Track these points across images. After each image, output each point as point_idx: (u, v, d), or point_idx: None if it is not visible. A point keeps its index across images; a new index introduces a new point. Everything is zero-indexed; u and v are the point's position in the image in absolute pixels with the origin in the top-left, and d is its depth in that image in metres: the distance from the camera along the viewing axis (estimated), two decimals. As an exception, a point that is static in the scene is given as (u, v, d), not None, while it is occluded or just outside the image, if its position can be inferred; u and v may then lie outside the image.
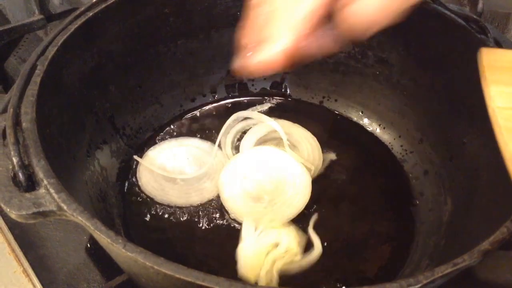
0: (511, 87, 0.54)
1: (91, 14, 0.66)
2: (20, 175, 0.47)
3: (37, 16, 0.96)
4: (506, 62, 0.57)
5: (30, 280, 0.63)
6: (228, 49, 0.84)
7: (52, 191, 0.46)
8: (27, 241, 0.67)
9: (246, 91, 0.89)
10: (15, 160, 0.48)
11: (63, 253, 0.67)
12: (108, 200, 0.70)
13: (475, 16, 0.71)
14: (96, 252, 0.67)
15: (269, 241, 0.64)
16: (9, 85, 0.95)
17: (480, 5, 0.99)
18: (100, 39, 0.69)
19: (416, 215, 0.72)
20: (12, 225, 0.67)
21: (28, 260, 0.64)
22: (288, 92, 0.89)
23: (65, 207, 0.45)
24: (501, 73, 0.55)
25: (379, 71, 0.81)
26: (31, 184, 0.48)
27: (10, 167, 0.48)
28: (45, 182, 0.46)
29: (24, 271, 0.64)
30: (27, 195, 0.46)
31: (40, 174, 0.47)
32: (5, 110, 0.75)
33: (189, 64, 0.82)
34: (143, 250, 0.42)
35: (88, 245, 0.68)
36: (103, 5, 0.68)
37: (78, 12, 0.65)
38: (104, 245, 0.50)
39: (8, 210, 0.45)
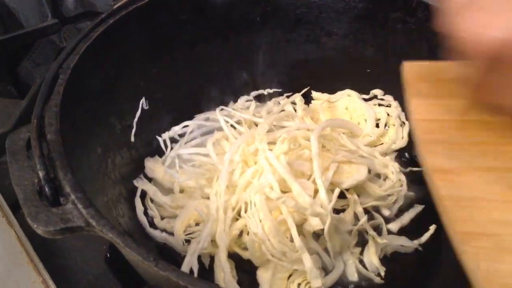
0: (429, 99, 0.54)
1: (111, 21, 0.65)
2: (47, 189, 0.46)
3: (51, 20, 0.96)
4: (427, 74, 0.56)
5: (50, 291, 0.62)
6: (246, 54, 0.83)
7: (80, 206, 0.45)
8: (46, 251, 0.66)
9: (265, 98, 0.87)
10: (41, 173, 0.47)
11: (82, 263, 0.66)
12: (128, 209, 0.69)
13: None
14: (115, 262, 0.66)
15: (288, 265, 0.63)
16: (23, 89, 0.95)
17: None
18: (120, 47, 0.68)
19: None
20: (31, 235, 0.66)
21: (47, 271, 0.63)
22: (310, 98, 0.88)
23: (94, 223, 0.44)
24: (421, 86, 0.55)
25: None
26: (56, 198, 0.47)
27: (36, 180, 0.47)
28: (73, 196, 0.45)
29: (44, 281, 0.62)
30: (54, 210, 0.45)
31: (67, 188, 0.46)
32: (22, 117, 0.76)
33: (207, 69, 0.81)
34: (176, 268, 0.41)
35: (108, 255, 0.67)
36: (123, 12, 0.67)
37: (98, 19, 0.64)
38: (133, 262, 0.49)
39: (35, 226, 0.44)
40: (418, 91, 0.55)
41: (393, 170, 0.74)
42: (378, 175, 0.75)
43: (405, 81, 0.56)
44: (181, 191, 0.72)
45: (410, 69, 0.58)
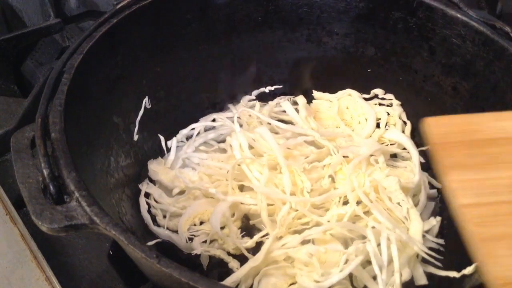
0: (471, 171, 0.42)
1: (114, 21, 0.65)
2: (51, 187, 0.47)
3: (54, 19, 0.96)
4: (458, 133, 0.44)
5: (53, 288, 0.62)
6: (248, 53, 0.84)
7: (84, 204, 0.45)
8: (50, 248, 0.66)
9: (266, 97, 0.88)
10: (45, 172, 0.47)
11: (85, 260, 0.67)
12: (131, 207, 0.70)
13: (500, 23, 0.70)
14: (118, 259, 0.66)
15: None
16: (26, 88, 0.95)
17: (499, 8, 0.98)
18: (123, 46, 0.68)
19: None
20: (34, 232, 0.66)
21: (51, 268, 0.63)
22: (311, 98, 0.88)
23: (97, 221, 0.44)
24: (455, 151, 0.43)
25: (402, 77, 0.81)
26: (60, 195, 0.48)
27: (40, 178, 0.48)
28: (77, 194, 0.46)
29: (47, 278, 0.63)
30: (58, 207, 0.46)
31: (71, 186, 0.47)
32: (25, 116, 0.76)
33: (209, 68, 0.82)
34: (178, 265, 0.42)
35: (110, 252, 0.67)
36: (127, 12, 0.67)
37: (102, 19, 0.65)
38: (136, 259, 0.49)
39: (40, 223, 0.45)
40: (453, 162, 0.42)
41: None
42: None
43: (432, 145, 0.44)
44: (183, 192, 0.73)
45: (436, 129, 0.44)
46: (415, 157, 0.75)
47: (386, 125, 0.82)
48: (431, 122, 0.45)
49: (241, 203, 0.69)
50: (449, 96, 0.75)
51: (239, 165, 0.71)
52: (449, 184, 0.41)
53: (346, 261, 0.60)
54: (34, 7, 1.06)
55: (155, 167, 0.75)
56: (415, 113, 0.81)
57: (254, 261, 0.61)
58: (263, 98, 0.87)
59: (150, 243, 0.61)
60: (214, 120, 0.83)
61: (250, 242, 0.65)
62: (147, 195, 0.72)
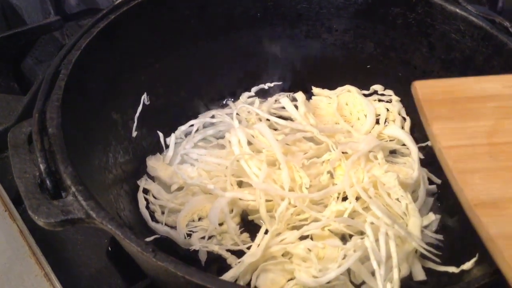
0: (451, 122, 0.50)
1: (113, 17, 0.66)
2: (48, 182, 0.47)
3: (54, 17, 0.97)
4: (442, 93, 0.53)
5: (52, 284, 0.62)
6: (248, 50, 0.84)
7: (80, 198, 0.45)
8: (48, 244, 0.67)
9: (265, 93, 0.88)
10: (42, 167, 0.47)
11: (84, 256, 0.67)
12: (129, 203, 0.70)
13: (500, 18, 0.70)
14: (117, 255, 0.66)
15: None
16: (26, 86, 0.96)
17: (500, 4, 0.98)
18: (122, 42, 0.68)
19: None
20: (33, 228, 0.67)
21: (50, 264, 0.64)
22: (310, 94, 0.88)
23: (94, 215, 0.44)
24: (439, 108, 0.51)
25: (402, 73, 0.80)
26: (57, 190, 0.48)
27: (37, 173, 0.48)
28: (73, 189, 0.46)
29: (46, 275, 0.63)
30: (55, 202, 0.46)
31: (67, 181, 0.47)
32: (25, 113, 0.77)
33: (209, 65, 0.82)
34: (174, 259, 0.42)
35: (109, 248, 0.67)
36: (125, 8, 0.67)
37: (100, 15, 0.65)
38: (133, 253, 0.49)
39: (36, 218, 0.45)
40: (438, 114, 0.50)
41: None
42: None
43: (419, 103, 0.52)
44: (181, 188, 0.73)
45: (423, 90, 0.53)
46: (415, 153, 0.74)
47: (385, 121, 0.82)
48: (419, 84, 0.54)
49: (240, 199, 0.69)
50: (448, 92, 0.75)
51: (237, 161, 0.71)
52: (433, 132, 0.49)
53: (344, 257, 0.60)
54: (34, 5, 1.06)
55: (153, 163, 0.75)
56: (415, 109, 0.80)
57: (252, 257, 0.61)
58: (262, 95, 0.87)
59: (148, 239, 0.61)
60: (213, 117, 0.82)
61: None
62: (145, 191, 0.72)
